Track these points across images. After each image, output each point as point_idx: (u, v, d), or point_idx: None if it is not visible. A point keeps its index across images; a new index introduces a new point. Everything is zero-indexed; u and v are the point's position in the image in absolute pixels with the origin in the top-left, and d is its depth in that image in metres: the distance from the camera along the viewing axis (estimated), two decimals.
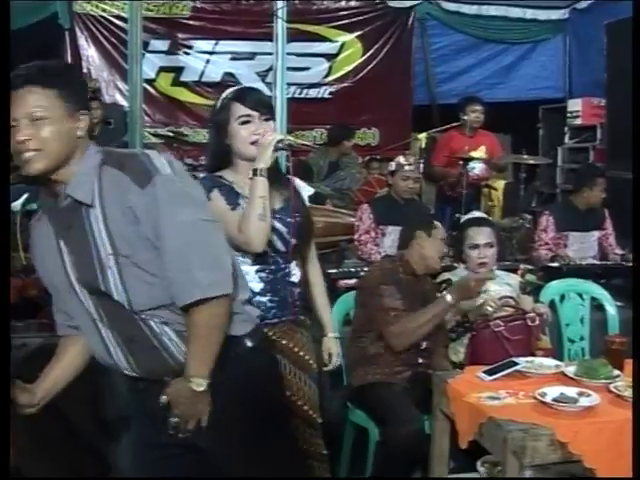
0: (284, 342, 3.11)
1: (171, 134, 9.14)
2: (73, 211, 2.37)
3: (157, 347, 2.43)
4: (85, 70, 9.48)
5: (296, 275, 3.14)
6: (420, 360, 4.06)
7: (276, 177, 3.11)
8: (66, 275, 2.45)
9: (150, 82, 9.56)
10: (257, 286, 3.05)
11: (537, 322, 4.13)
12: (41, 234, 2.51)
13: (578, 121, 9.19)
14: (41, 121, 2.28)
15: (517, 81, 10.57)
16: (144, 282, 2.36)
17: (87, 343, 2.63)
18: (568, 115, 9.35)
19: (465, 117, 7.37)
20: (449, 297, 3.89)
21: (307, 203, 3.27)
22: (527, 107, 9.94)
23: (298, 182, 3.29)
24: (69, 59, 9.39)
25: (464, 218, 4.83)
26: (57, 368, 2.67)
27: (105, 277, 2.36)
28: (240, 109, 3.05)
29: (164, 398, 2.39)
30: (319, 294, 3.41)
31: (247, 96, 3.09)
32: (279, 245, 3.05)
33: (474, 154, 7.21)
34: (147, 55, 9.27)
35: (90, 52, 9.56)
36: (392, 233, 5.50)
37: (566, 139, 9.41)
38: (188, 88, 10.03)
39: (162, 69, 9.88)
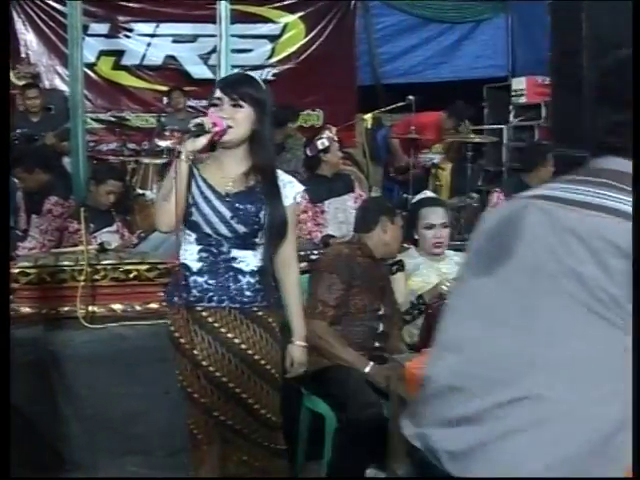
0: (229, 335, 3.02)
1: (113, 119, 9.10)
2: None
3: None
4: (23, 55, 9.32)
5: (246, 263, 3.03)
6: (376, 344, 4.03)
7: (255, 162, 3.06)
8: None
9: (90, 66, 9.43)
10: (195, 265, 3.01)
11: None
12: None
13: (523, 99, 9.22)
14: None
15: (460, 60, 10.66)
16: None
17: None
18: (512, 93, 9.37)
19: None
20: (368, 369, 3.83)
21: (289, 201, 3.12)
22: (471, 86, 9.95)
23: (284, 177, 3.16)
24: None
25: (417, 198, 4.81)
26: None
27: None
28: (215, 92, 3.04)
29: None
30: (292, 298, 3.26)
31: (229, 81, 3.12)
32: (222, 229, 2.99)
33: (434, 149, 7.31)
34: (87, 39, 9.13)
35: (28, 37, 9.42)
36: (329, 206, 5.61)
37: (511, 117, 9.44)
38: (129, 72, 9.95)
39: (102, 53, 9.80)
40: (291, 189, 3.15)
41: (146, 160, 7.21)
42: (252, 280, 3.05)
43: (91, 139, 8.62)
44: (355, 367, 3.85)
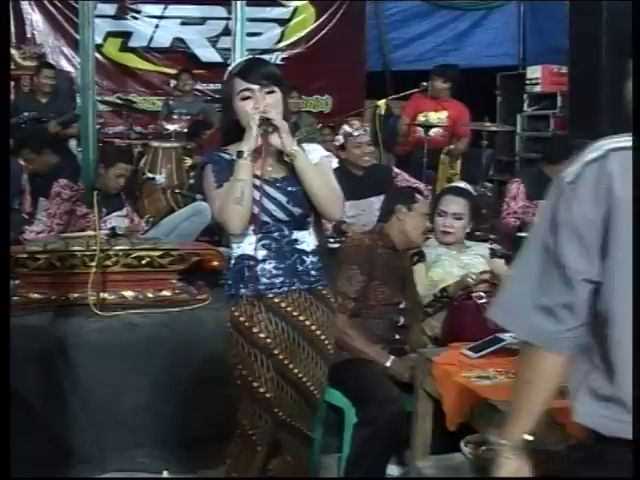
0: (300, 317, 2.99)
1: (119, 101, 8.98)
2: None
3: None
4: (29, 35, 9.21)
5: (307, 243, 3.01)
6: (397, 336, 3.95)
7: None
8: None
9: (97, 48, 9.24)
10: (260, 253, 2.94)
11: None
12: None
13: (537, 88, 9.08)
14: None
15: (471, 48, 10.52)
16: None
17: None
18: (527, 82, 9.24)
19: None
20: (389, 363, 3.75)
21: (316, 160, 3.03)
22: (481, 74, 9.81)
23: (309, 147, 3.10)
24: (12, 24, 9.09)
25: (446, 186, 4.74)
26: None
27: None
28: (240, 84, 2.93)
29: None
30: None
31: (247, 69, 2.97)
32: (279, 214, 2.94)
33: (433, 115, 7.17)
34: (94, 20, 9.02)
35: (34, 16, 9.33)
36: (351, 208, 5.22)
37: (525, 107, 9.32)
38: (137, 54, 9.88)
39: (110, 34, 9.73)
40: (318, 153, 3.07)
41: (155, 144, 7.10)
42: (314, 259, 3.04)
43: (97, 122, 8.52)
44: (376, 361, 3.75)
